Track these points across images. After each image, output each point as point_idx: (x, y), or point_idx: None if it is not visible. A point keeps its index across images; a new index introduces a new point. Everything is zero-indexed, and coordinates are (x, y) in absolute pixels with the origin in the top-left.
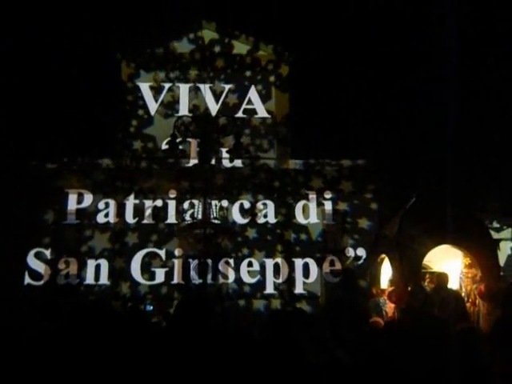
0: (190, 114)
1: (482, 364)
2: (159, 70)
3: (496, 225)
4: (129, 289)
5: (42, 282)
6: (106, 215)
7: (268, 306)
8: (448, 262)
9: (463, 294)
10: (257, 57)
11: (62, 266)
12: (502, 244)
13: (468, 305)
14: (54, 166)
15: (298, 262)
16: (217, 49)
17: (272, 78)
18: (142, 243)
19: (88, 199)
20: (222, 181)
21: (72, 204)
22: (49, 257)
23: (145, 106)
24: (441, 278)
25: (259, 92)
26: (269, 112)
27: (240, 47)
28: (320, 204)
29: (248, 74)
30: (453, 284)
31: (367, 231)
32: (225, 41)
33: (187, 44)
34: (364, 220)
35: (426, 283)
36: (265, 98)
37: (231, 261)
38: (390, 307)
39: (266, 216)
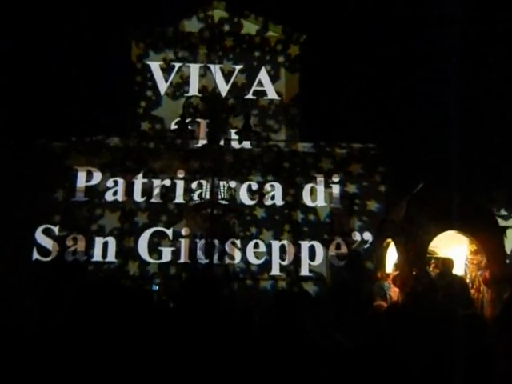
0: (200, 95)
1: (486, 346)
2: (168, 49)
3: (504, 212)
4: (137, 268)
5: (49, 258)
6: (115, 193)
7: (275, 286)
8: (453, 248)
9: (468, 280)
10: (266, 37)
11: (69, 242)
12: (508, 232)
13: (472, 291)
14: (61, 144)
15: (305, 245)
16: (226, 28)
17: (281, 59)
18: (150, 222)
19: (97, 177)
20: (230, 161)
21: (81, 181)
22: (57, 233)
23: (154, 87)
24: (446, 264)
25: (268, 73)
26: (278, 93)
27: (249, 27)
28: (328, 187)
29: (257, 54)
30: (458, 270)
31: (375, 213)
32: (234, 20)
33: (196, 23)
34: (373, 202)
35: (430, 268)
36: (274, 79)
37: (238, 241)
38: (394, 291)
39: (273, 198)
